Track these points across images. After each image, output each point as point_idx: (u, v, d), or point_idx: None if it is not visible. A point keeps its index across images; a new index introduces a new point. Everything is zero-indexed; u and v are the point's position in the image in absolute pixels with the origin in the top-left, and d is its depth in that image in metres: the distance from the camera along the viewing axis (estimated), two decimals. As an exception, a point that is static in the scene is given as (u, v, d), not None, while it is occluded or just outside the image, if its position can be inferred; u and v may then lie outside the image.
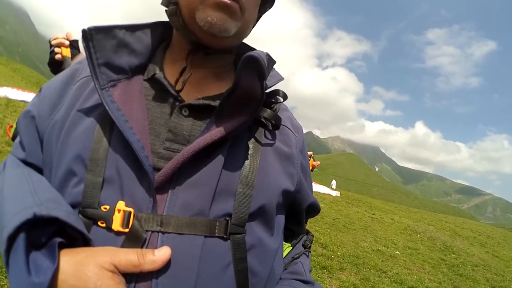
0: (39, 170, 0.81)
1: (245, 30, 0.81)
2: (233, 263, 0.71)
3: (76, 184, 0.70)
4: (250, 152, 0.79)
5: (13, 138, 0.86)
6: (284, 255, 0.97)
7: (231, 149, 0.76)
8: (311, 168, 1.85)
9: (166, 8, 0.81)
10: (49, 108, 0.81)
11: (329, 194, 20.93)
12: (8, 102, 13.45)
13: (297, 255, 0.99)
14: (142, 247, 0.65)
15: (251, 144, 0.80)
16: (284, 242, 1.00)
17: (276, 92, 0.87)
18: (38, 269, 0.55)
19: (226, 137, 0.73)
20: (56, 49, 1.90)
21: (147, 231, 0.66)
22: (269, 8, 0.93)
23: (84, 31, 0.72)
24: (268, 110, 0.82)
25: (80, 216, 0.67)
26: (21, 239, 0.56)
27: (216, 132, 0.72)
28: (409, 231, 14.01)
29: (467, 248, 12.59)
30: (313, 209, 1.05)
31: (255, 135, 0.82)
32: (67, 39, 1.95)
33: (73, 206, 0.69)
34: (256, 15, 0.84)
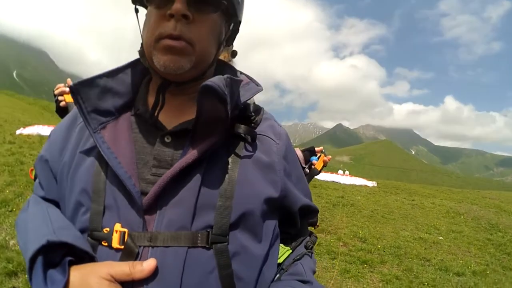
0: (57, 204, 0.96)
1: (203, 59, 0.88)
2: (217, 269, 0.81)
3: (84, 213, 0.84)
4: (229, 166, 0.88)
5: (35, 179, 1.06)
6: (283, 259, 1.03)
7: (209, 166, 0.86)
8: (323, 164, 1.86)
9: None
10: (58, 152, 0.96)
11: (366, 186, 20.43)
12: (41, 138, 14.08)
13: (298, 257, 1.04)
14: (135, 259, 0.78)
15: (230, 158, 0.89)
16: (283, 246, 1.06)
17: (248, 107, 0.97)
18: (52, 282, 0.72)
19: (200, 158, 0.84)
20: (60, 97, 2.12)
21: (139, 246, 0.79)
22: (238, 20, 0.99)
23: (70, 87, 0.86)
24: (243, 126, 0.90)
25: (89, 238, 0.82)
26: (39, 260, 0.74)
27: (190, 155, 0.83)
28: (451, 214, 13.59)
29: (514, 224, 12.12)
30: (308, 211, 1.10)
31: (235, 149, 0.91)
32: (68, 86, 2.12)
33: (83, 231, 0.84)
34: (214, 41, 0.90)
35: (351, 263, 6.51)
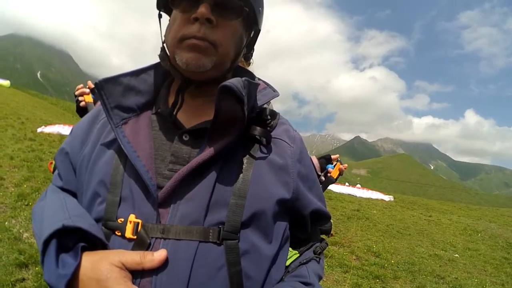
0: (74, 194, 1.00)
1: (224, 61, 0.93)
2: (226, 266, 0.82)
3: (100, 203, 0.87)
4: (244, 166, 0.90)
5: (54, 171, 1.13)
6: (289, 262, 1.03)
7: (225, 165, 0.89)
8: (339, 172, 1.86)
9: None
10: (79, 145, 1.00)
11: (382, 200, 20.08)
12: (61, 137, 14.38)
13: (304, 261, 1.05)
14: (147, 250, 0.80)
15: (246, 159, 0.91)
16: (292, 250, 1.06)
17: (264, 111, 0.98)
18: (64, 265, 0.74)
19: (216, 156, 0.86)
20: (80, 98, 2.22)
21: (152, 237, 0.81)
22: (259, 29, 1.04)
23: (96, 83, 0.91)
24: (258, 128, 0.93)
25: (103, 227, 0.85)
26: (53, 243, 0.76)
27: (207, 152, 0.86)
28: (469, 231, 13.30)
29: (533, 244, 11.73)
30: (320, 217, 1.10)
31: (250, 150, 0.93)
32: (88, 87, 2.23)
33: (98, 220, 0.87)
34: (235, 45, 0.95)
35: (363, 278, 6.39)
